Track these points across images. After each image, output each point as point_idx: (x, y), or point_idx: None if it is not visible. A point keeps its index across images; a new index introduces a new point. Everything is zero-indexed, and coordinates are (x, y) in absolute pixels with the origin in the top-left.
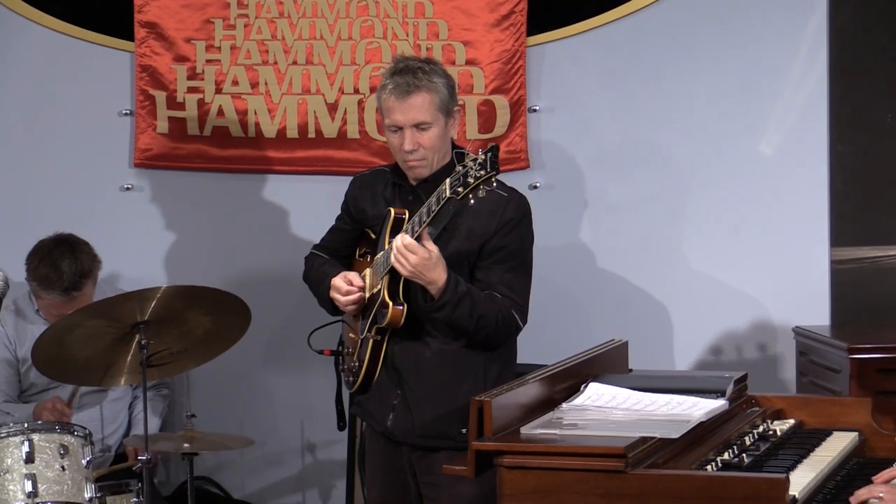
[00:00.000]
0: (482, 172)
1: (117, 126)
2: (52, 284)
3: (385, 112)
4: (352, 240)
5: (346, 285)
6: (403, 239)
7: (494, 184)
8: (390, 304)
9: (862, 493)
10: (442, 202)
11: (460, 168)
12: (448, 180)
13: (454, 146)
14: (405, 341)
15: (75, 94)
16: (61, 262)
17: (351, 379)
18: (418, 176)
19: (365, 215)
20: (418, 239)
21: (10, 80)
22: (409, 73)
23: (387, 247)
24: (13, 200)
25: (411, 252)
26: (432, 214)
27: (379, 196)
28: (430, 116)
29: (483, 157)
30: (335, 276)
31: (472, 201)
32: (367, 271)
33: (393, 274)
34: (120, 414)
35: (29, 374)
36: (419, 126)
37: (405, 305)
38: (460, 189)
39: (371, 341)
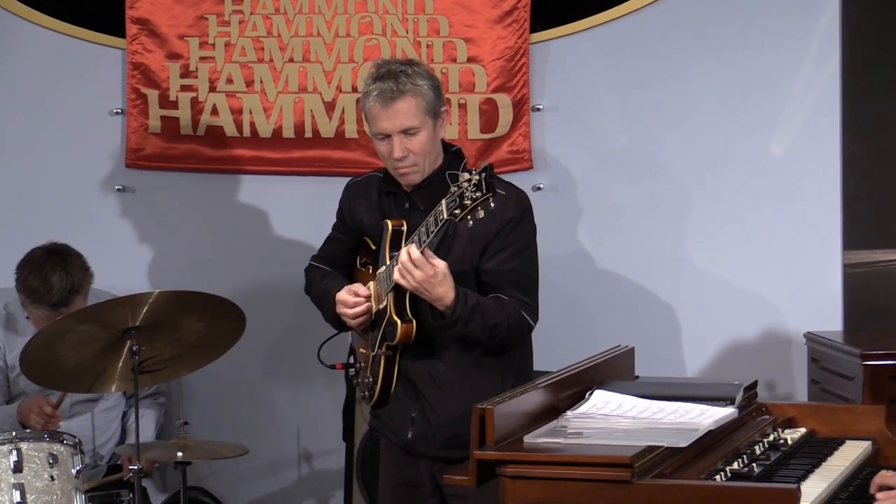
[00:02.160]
0: (478, 195)
1: (108, 125)
2: (41, 299)
3: (371, 120)
4: (350, 249)
5: (353, 297)
6: (411, 253)
7: (493, 205)
8: (398, 321)
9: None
10: (441, 223)
11: (455, 189)
12: (444, 202)
13: (445, 145)
14: (418, 355)
15: (65, 93)
16: (52, 275)
17: (367, 394)
18: (411, 182)
19: (362, 224)
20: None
21: None
22: (392, 77)
23: (388, 261)
24: (2, 201)
25: (417, 268)
26: (432, 235)
27: (374, 205)
28: (417, 121)
29: (477, 177)
30: (339, 290)
31: (471, 223)
32: (371, 284)
33: (398, 290)
34: (112, 423)
35: (19, 382)
36: (407, 132)
37: (414, 321)
38: (458, 211)
39: (383, 357)
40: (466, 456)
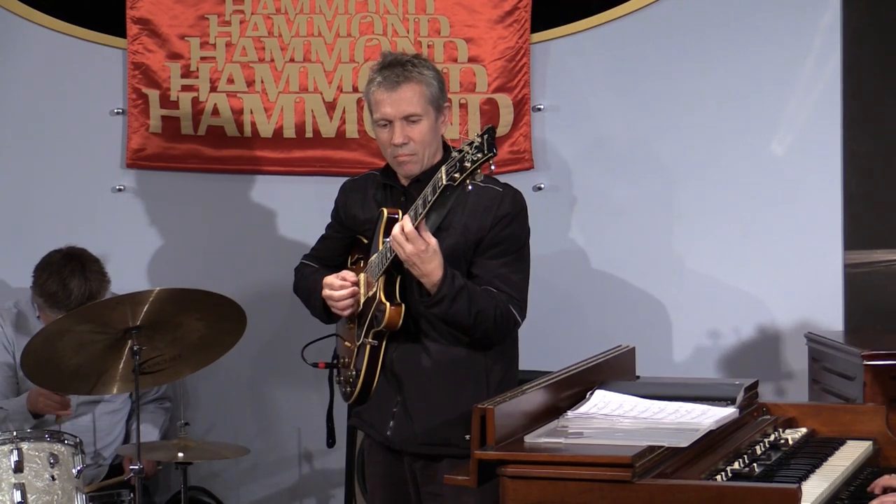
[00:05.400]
0: (479, 155)
1: (109, 125)
2: (59, 303)
3: (373, 106)
4: (343, 248)
5: (340, 281)
6: (404, 226)
7: (493, 166)
8: (387, 304)
9: None
10: (439, 190)
11: (456, 154)
12: (444, 167)
13: (445, 146)
14: (403, 347)
15: (66, 93)
16: (70, 281)
17: (348, 389)
18: (409, 172)
19: (356, 221)
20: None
21: None
22: (398, 65)
23: (381, 248)
24: (3, 202)
25: (409, 241)
26: (429, 204)
27: (370, 199)
28: (420, 108)
29: (479, 139)
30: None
31: (469, 187)
32: (362, 276)
33: (389, 275)
34: (116, 426)
35: (27, 380)
36: (409, 118)
37: (402, 305)
38: (457, 175)
39: (368, 347)
40: (446, 453)
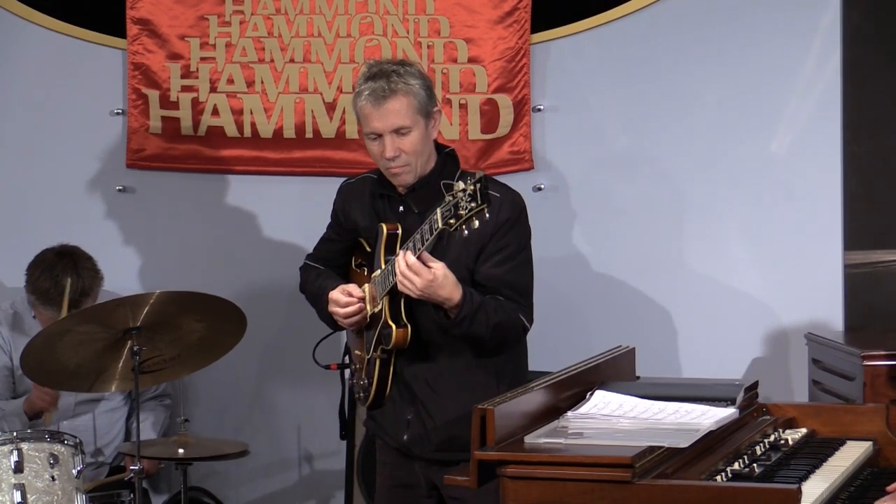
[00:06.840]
0: (473, 205)
1: (109, 126)
2: (52, 300)
3: (362, 120)
4: (345, 250)
5: (346, 297)
6: (407, 259)
7: (487, 216)
8: (393, 326)
9: None
10: (435, 232)
11: (450, 198)
12: (439, 210)
13: (438, 147)
14: (413, 357)
15: (66, 93)
16: (63, 278)
17: (362, 395)
18: (403, 182)
19: (356, 226)
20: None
21: None
22: (384, 77)
23: (383, 265)
24: (3, 201)
25: (416, 274)
26: (427, 243)
27: (368, 207)
28: (409, 120)
29: (472, 188)
30: (333, 289)
31: (465, 232)
32: (367, 286)
33: (393, 294)
34: (116, 424)
35: (24, 380)
36: (399, 131)
37: (409, 326)
38: (452, 221)
39: (378, 360)
40: (462, 458)
